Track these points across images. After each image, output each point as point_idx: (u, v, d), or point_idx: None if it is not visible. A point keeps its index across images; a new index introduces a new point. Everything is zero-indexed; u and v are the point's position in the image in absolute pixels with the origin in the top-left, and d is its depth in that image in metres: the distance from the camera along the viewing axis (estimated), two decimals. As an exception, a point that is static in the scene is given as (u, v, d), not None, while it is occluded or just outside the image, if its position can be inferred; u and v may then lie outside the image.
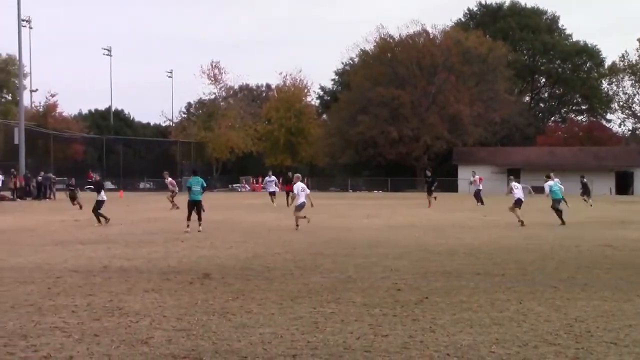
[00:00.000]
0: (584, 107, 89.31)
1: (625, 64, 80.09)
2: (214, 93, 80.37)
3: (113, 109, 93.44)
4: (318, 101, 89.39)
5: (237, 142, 75.97)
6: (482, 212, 28.32)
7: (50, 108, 79.05)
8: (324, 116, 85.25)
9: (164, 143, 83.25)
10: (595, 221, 24.41)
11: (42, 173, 45.17)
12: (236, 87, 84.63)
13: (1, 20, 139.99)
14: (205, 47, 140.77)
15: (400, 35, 74.47)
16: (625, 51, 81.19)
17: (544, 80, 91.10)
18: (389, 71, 71.86)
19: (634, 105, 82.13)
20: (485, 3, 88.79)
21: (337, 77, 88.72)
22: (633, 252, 14.67)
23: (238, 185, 73.33)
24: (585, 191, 35.45)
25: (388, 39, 74.97)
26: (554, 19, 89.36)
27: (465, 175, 56.46)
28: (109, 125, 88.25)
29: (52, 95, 79.69)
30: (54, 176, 45.25)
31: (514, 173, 40.41)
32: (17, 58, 58.37)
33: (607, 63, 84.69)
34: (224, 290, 9.59)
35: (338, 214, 28.12)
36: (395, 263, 12.52)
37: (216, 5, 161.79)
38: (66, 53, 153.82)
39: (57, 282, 10.38)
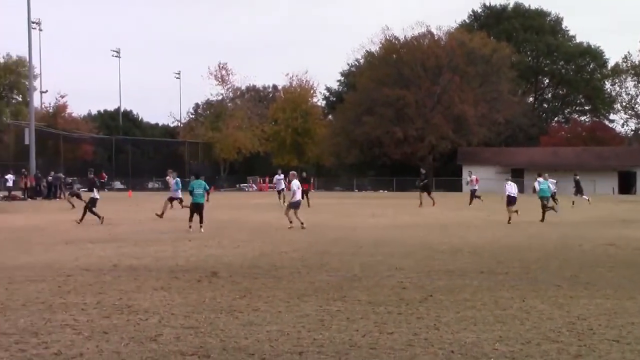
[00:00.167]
0: (587, 108, 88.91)
1: (628, 65, 79.82)
2: (222, 94, 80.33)
3: (122, 109, 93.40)
4: (324, 102, 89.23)
5: (244, 142, 75.95)
6: (486, 212, 28.36)
7: (60, 109, 78.98)
8: (330, 117, 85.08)
9: (172, 143, 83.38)
10: (598, 220, 24.46)
11: (53, 173, 45.30)
12: (243, 88, 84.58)
13: (12, 22, 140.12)
14: (213, 49, 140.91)
15: (405, 36, 74.26)
16: (628, 52, 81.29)
17: (547, 81, 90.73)
18: (394, 72, 71.72)
19: (636, 105, 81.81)
20: (490, 5, 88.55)
21: (342, 78, 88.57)
22: (636, 251, 14.73)
23: (245, 185, 73.32)
24: (578, 189, 35.08)
25: (393, 40, 74.80)
26: (558, 21, 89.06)
27: (469, 175, 56.34)
28: (117, 126, 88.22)
29: (62, 96, 79.71)
30: (64, 176, 45.40)
31: (518, 173, 40.36)
32: (28, 60, 58.46)
33: (610, 64, 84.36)
34: (231, 289, 9.69)
35: (344, 213, 28.23)
36: (400, 262, 12.61)
37: (223, 8, 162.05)
38: (76, 55, 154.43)
39: (68, 280, 10.50)
